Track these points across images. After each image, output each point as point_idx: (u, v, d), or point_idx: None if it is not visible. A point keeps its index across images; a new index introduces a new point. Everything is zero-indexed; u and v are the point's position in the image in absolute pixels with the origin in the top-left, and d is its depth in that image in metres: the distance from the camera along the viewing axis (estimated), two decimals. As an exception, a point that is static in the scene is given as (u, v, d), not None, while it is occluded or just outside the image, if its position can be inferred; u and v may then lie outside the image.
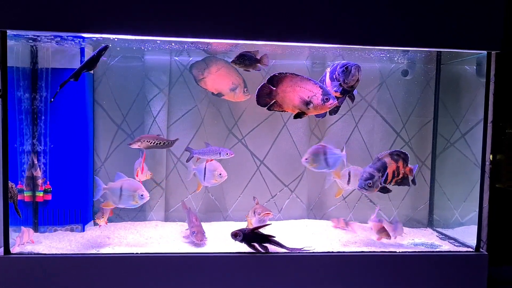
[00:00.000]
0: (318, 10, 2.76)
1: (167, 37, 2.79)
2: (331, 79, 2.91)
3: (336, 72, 2.87)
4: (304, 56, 3.57)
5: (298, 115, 2.78)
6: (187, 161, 3.31)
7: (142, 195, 2.91)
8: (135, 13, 2.66)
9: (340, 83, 2.85)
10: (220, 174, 3.18)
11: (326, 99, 2.69)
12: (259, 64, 3.08)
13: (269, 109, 2.82)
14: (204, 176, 3.19)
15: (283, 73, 2.74)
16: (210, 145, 3.25)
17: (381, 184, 2.95)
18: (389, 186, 3.01)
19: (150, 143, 3.12)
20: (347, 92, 2.88)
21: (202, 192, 3.65)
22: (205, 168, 3.19)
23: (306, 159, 3.16)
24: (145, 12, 2.66)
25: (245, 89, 3.31)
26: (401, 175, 3.02)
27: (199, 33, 2.72)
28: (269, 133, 3.67)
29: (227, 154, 3.20)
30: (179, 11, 2.68)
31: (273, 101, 2.79)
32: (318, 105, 2.71)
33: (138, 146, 3.11)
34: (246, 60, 3.05)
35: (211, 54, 3.40)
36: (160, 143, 3.15)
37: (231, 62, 3.10)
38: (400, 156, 3.01)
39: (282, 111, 2.84)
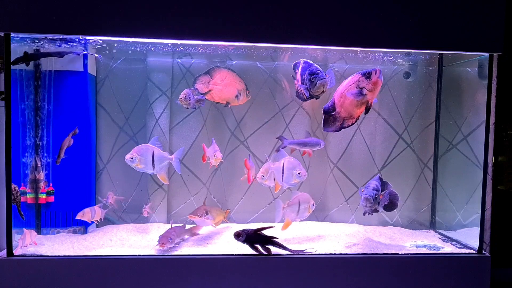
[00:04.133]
0: (320, 12, 2.77)
1: (169, 39, 2.81)
2: (301, 76, 2.94)
3: (305, 76, 2.91)
4: (306, 57, 3.57)
5: (367, 110, 2.86)
6: (276, 151, 3.20)
7: (313, 204, 3.13)
8: (138, 16, 2.67)
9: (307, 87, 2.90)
10: (299, 173, 3.04)
11: (368, 74, 2.78)
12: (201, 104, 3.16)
13: (343, 128, 2.94)
14: (283, 175, 3.04)
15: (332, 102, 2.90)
16: (309, 134, 3.21)
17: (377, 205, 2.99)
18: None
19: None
20: (312, 97, 2.93)
21: (204, 194, 3.65)
22: (283, 166, 3.04)
23: (132, 157, 2.91)
24: (148, 14, 2.67)
25: (247, 91, 3.30)
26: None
27: (201, 35, 2.74)
28: (271, 135, 3.67)
29: (322, 145, 3.20)
30: (181, 14, 2.69)
31: (342, 121, 2.90)
32: (368, 84, 2.78)
33: None
34: (190, 100, 3.10)
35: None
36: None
37: (179, 99, 3.12)
38: (380, 183, 3.04)
39: (356, 120, 2.91)
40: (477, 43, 2.88)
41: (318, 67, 2.91)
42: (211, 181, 3.69)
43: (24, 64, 3.04)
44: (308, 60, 2.97)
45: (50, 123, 3.21)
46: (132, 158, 2.91)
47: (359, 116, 2.91)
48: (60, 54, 3.04)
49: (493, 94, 3.07)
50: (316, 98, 2.94)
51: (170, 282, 2.76)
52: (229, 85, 3.21)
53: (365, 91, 2.79)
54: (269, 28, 2.76)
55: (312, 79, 2.84)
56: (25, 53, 2.92)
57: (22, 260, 2.72)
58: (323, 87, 2.84)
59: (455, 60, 3.52)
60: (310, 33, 2.78)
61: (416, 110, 3.69)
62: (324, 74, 2.86)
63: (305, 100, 3.03)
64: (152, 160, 2.95)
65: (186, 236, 3.24)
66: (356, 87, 2.81)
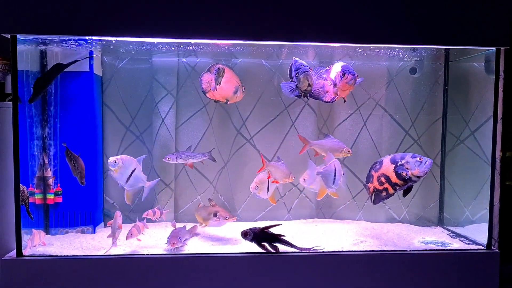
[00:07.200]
0: (324, 9, 2.76)
1: (173, 38, 2.81)
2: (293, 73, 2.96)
3: (293, 74, 2.93)
4: (311, 55, 3.57)
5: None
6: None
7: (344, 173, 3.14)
8: (142, 15, 2.68)
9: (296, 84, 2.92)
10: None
11: (342, 74, 2.86)
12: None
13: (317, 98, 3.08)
14: (334, 178, 2.98)
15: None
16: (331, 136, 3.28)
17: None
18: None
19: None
20: (303, 93, 2.94)
21: (211, 193, 3.66)
22: (335, 169, 2.99)
23: (115, 161, 2.90)
24: (152, 14, 2.68)
25: (243, 88, 3.27)
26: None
27: (206, 34, 2.74)
28: (277, 133, 3.67)
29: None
30: (186, 13, 2.69)
31: (324, 93, 3.02)
32: (339, 82, 2.90)
33: None
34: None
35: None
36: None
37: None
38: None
39: (330, 101, 3.04)
40: (483, 38, 2.86)
41: (303, 62, 2.89)
42: (217, 179, 3.70)
43: (33, 70, 3.12)
44: (296, 58, 2.96)
45: (57, 123, 3.23)
46: (115, 162, 2.89)
47: (332, 99, 3.01)
48: (64, 67, 3.06)
49: (500, 89, 3.05)
50: (305, 96, 2.96)
51: (178, 281, 2.77)
52: (228, 81, 3.20)
53: (337, 87, 2.92)
54: (271, 25, 2.75)
55: (297, 74, 2.84)
56: (34, 90, 2.98)
57: (31, 260, 2.74)
58: (307, 80, 2.82)
59: (461, 55, 3.50)
60: (313, 30, 2.77)
61: (423, 106, 3.67)
62: (307, 67, 2.85)
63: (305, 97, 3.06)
64: (129, 175, 2.92)
65: (187, 236, 3.25)
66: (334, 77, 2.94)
